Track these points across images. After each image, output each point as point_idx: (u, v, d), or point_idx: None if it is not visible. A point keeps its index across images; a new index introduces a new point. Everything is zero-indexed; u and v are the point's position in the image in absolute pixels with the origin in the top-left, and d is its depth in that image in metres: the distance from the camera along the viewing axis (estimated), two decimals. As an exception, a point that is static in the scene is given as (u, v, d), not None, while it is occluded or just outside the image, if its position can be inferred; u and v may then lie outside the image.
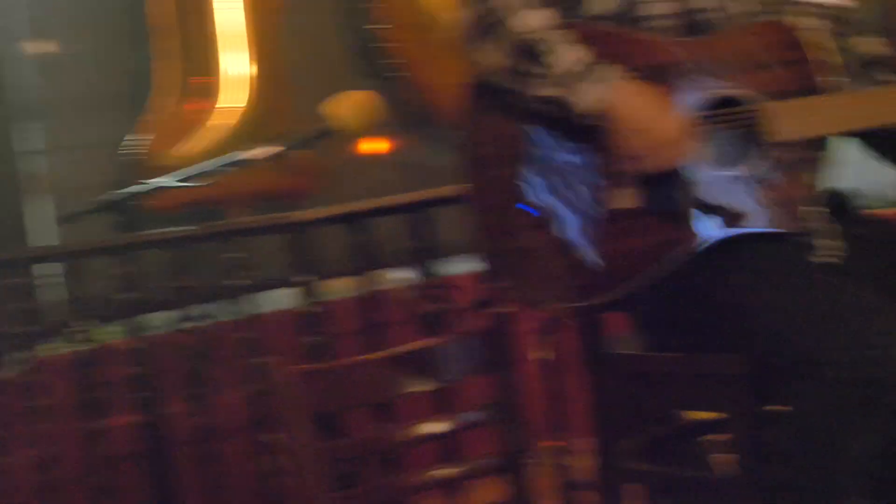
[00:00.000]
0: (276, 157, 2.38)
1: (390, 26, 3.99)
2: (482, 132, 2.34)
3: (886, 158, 2.51)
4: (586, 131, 2.26)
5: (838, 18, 2.43)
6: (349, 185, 4.03)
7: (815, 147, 2.36)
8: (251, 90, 3.80)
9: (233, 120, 3.86)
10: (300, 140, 2.33)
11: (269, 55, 3.79)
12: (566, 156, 2.30)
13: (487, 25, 2.28)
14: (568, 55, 2.24)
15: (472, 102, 2.35)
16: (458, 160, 2.34)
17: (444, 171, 4.12)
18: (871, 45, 2.49)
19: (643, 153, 2.21)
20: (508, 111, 2.32)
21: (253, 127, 3.82)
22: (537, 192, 2.29)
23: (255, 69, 3.78)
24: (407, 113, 3.50)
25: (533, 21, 2.27)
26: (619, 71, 2.23)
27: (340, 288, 3.00)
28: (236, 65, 3.95)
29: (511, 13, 2.27)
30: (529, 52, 2.25)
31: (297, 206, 3.74)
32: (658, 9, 2.34)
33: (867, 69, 2.47)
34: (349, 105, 2.37)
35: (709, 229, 2.24)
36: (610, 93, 2.20)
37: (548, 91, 2.24)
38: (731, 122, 2.26)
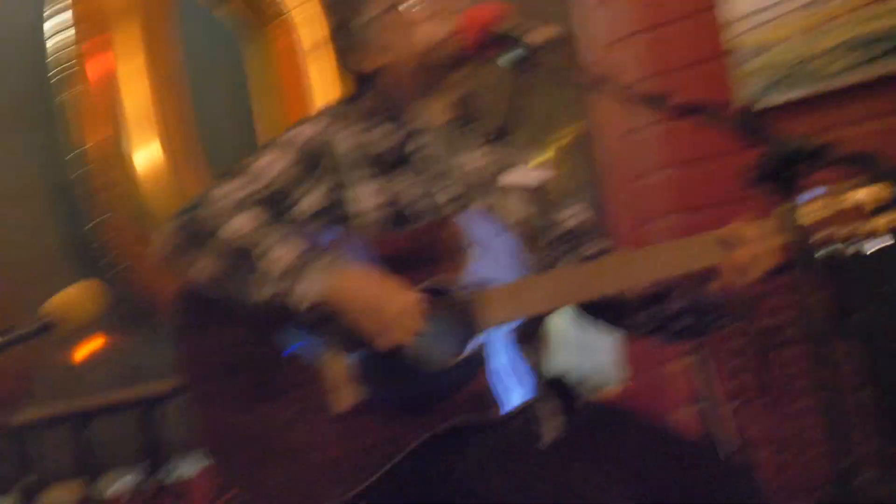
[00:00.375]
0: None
1: (109, 222, 3.91)
2: (203, 344, 2.34)
3: (600, 321, 2.63)
4: (317, 324, 2.29)
5: (541, 195, 2.56)
6: (61, 386, 3.89)
7: (532, 328, 2.44)
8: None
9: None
10: (16, 336, 2.22)
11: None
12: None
13: (196, 237, 2.28)
14: (282, 252, 2.25)
15: (183, 319, 2.36)
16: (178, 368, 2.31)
17: (164, 369, 4.07)
18: (577, 215, 2.63)
19: (384, 324, 2.22)
20: (230, 319, 2.32)
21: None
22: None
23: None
24: (127, 309, 3.40)
25: (243, 224, 2.29)
26: (333, 257, 2.26)
27: (61, 497, 2.86)
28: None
29: (221, 221, 2.28)
30: (245, 257, 2.25)
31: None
32: (365, 204, 2.40)
33: (576, 242, 2.60)
34: (73, 297, 2.29)
35: (442, 417, 2.26)
36: (330, 279, 2.23)
37: (269, 291, 2.24)
38: (443, 311, 2.31)
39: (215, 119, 4.42)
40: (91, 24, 3.90)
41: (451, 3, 2.44)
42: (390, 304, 2.24)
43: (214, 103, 4.45)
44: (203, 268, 2.26)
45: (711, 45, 4.31)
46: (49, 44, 3.95)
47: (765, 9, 4.16)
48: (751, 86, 4.21)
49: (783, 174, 1.88)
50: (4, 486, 2.82)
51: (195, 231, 2.28)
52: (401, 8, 2.46)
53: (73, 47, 3.89)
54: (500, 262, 2.35)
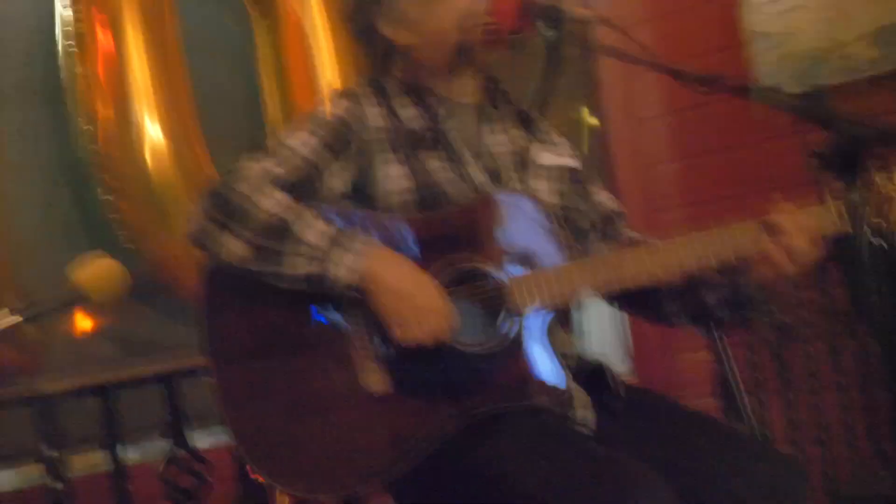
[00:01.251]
0: (11, 326, 2.21)
1: (121, 197, 3.87)
2: (227, 325, 2.28)
3: (638, 315, 2.59)
4: (349, 304, 2.25)
5: (570, 178, 2.52)
6: (69, 360, 3.86)
7: (564, 315, 2.41)
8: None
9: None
10: (48, 307, 2.19)
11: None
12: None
13: (230, 213, 2.23)
14: (318, 228, 2.22)
15: (212, 295, 2.30)
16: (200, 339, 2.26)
17: (171, 345, 4.04)
18: (609, 199, 2.60)
19: (407, 318, 2.19)
20: (255, 299, 2.27)
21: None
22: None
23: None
24: (137, 283, 3.37)
25: (278, 201, 2.24)
26: (369, 238, 2.22)
27: (86, 464, 2.82)
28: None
29: (256, 198, 2.23)
30: (279, 234, 2.21)
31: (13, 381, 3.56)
32: (394, 185, 2.37)
33: (608, 224, 2.56)
34: (96, 271, 2.25)
35: (475, 403, 2.23)
36: (365, 260, 2.19)
37: (303, 270, 2.20)
38: (477, 297, 2.27)
39: (223, 97, 4.38)
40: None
41: None
42: (421, 301, 2.20)
43: (223, 80, 4.40)
44: (235, 245, 2.22)
45: (732, 30, 4.28)
46: (59, 17, 3.90)
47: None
48: (773, 74, 4.18)
49: (848, 157, 1.84)
50: (30, 455, 2.79)
51: (229, 207, 2.23)
52: None
53: (79, 23, 3.85)
54: (535, 244, 2.32)
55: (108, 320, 3.98)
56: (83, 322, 3.94)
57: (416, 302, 2.20)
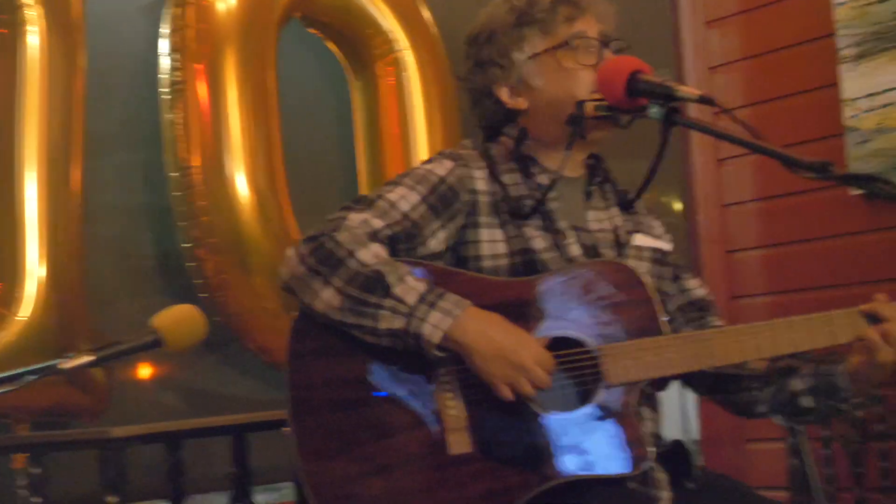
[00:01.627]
0: (86, 367, 2.19)
1: (205, 246, 3.88)
2: (312, 375, 2.26)
3: (720, 402, 2.54)
4: (436, 362, 2.22)
5: (662, 261, 2.48)
6: (133, 407, 3.85)
7: (653, 391, 2.37)
8: (38, 301, 3.57)
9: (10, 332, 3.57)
10: (127, 347, 2.16)
11: (64, 264, 3.60)
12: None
13: (328, 261, 2.21)
14: (409, 284, 2.19)
15: (300, 344, 2.27)
16: (286, 400, 2.23)
17: (236, 398, 4.03)
18: (703, 286, 2.55)
19: (503, 377, 2.17)
20: (342, 351, 2.25)
21: (34, 341, 3.56)
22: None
23: (45, 278, 3.57)
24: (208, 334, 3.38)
25: (377, 254, 2.23)
26: (460, 299, 2.19)
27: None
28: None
29: (355, 248, 2.21)
30: (371, 284, 2.19)
31: (77, 424, 3.55)
32: (491, 249, 2.33)
33: (697, 311, 2.52)
34: (181, 316, 2.22)
35: (560, 471, 2.20)
36: (452, 320, 2.16)
37: (398, 324, 2.18)
38: (569, 363, 2.25)
39: (315, 155, 4.40)
40: (198, 49, 3.89)
41: (611, 57, 2.37)
42: (522, 352, 2.18)
43: (316, 139, 4.43)
44: (327, 293, 2.20)
45: (830, 121, 4.24)
46: (161, 64, 3.95)
47: (886, 90, 4.08)
48: (868, 167, 4.12)
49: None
50: (94, 500, 2.77)
51: (327, 255, 2.21)
52: (564, 51, 2.39)
53: (179, 71, 3.89)
54: (634, 317, 2.27)
55: (175, 369, 3.99)
56: (150, 369, 3.94)
57: (522, 355, 2.17)
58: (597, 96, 2.34)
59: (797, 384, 2.39)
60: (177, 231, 3.91)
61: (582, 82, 2.36)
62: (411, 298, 2.18)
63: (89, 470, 2.52)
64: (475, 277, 2.31)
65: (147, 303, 3.86)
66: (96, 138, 3.82)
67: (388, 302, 2.17)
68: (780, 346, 2.27)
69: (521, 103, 2.43)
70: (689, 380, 2.53)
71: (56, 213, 3.52)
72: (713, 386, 2.50)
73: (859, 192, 4.08)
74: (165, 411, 3.91)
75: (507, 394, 2.18)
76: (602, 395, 2.23)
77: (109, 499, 2.38)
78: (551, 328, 2.25)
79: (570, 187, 2.44)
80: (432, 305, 2.17)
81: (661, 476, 2.30)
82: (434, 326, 2.16)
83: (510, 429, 2.22)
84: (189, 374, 4.05)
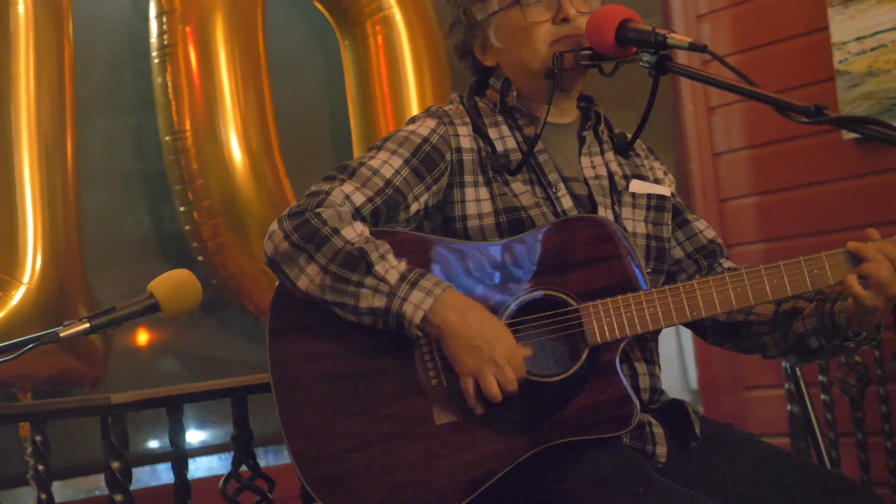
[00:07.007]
0: (85, 333, 2.20)
1: (200, 209, 3.88)
2: (292, 352, 2.26)
3: (731, 347, 2.54)
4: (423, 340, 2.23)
5: (662, 207, 2.48)
6: (131, 373, 3.86)
7: (645, 345, 2.37)
8: (36, 269, 3.58)
9: (11, 299, 3.59)
10: (125, 312, 2.17)
11: (61, 232, 3.60)
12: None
13: (312, 239, 2.21)
14: (390, 263, 2.19)
15: (279, 322, 2.27)
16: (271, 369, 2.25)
17: (236, 361, 4.04)
18: (707, 229, 2.55)
19: (473, 368, 2.17)
20: (322, 327, 2.25)
21: (36, 308, 3.57)
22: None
23: (43, 246, 3.57)
24: (205, 297, 3.40)
25: (360, 231, 2.23)
26: (440, 280, 2.19)
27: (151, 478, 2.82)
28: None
29: (339, 227, 2.21)
30: (354, 262, 2.19)
31: (77, 391, 3.56)
32: (475, 208, 2.34)
33: (705, 254, 2.51)
34: (178, 281, 2.23)
35: (549, 435, 2.20)
36: (432, 301, 2.16)
37: (371, 302, 2.18)
38: (551, 326, 2.25)
39: (307, 116, 4.39)
40: (185, 10, 3.87)
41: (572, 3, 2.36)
42: (496, 347, 2.17)
43: (307, 100, 4.41)
44: (312, 269, 2.20)
45: (822, 65, 4.23)
46: (150, 28, 3.92)
47: (876, 33, 4.07)
48: (860, 110, 4.12)
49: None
50: (96, 467, 2.79)
51: (313, 232, 2.21)
52: (516, 9, 2.38)
53: (167, 34, 3.87)
54: (618, 273, 2.27)
55: (174, 335, 3.99)
56: (148, 335, 3.95)
57: (494, 350, 2.16)
58: (543, 54, 2.34)
59: (802, 325, 2.38)
60: (171, 195, 3.90)
61: (539, 38, 2.36)
62: (392, 277, 2.17)
63: (92, 436, 2.54)
64: (454, 242, 2.30)
65: (143, 268, 3.87)
66: (85, 105, 3.81)
67: (369, 280, 2.17)
68: (764, 293, 2.26)
69: (490, 60, 2.45)
70: (697, 328, 2.53)
71: (52, 182, 3.52)
72: (722, 333, 2.50)
73: (852, 136, 4.08)
74: (165, 376, 3.93)
75: (468, 387, 2.18)
76: (587, 355, 2.23)
77: (113, 464, 2.39)
78: (532, 288, 2.25)
79: (562, 134, 2.44)
80: (413, 285, 2.17)
81: (658, 431, 2.30)
82: (416, 306, 2.16)
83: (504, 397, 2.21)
84: (188, 338, 4.05)
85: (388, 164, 2.31)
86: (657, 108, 2.38)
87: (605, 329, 2.23)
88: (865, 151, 4.14)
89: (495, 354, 2.16)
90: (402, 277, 2.17)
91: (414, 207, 2.32)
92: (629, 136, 2.50)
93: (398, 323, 2.17)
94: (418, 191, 2.31)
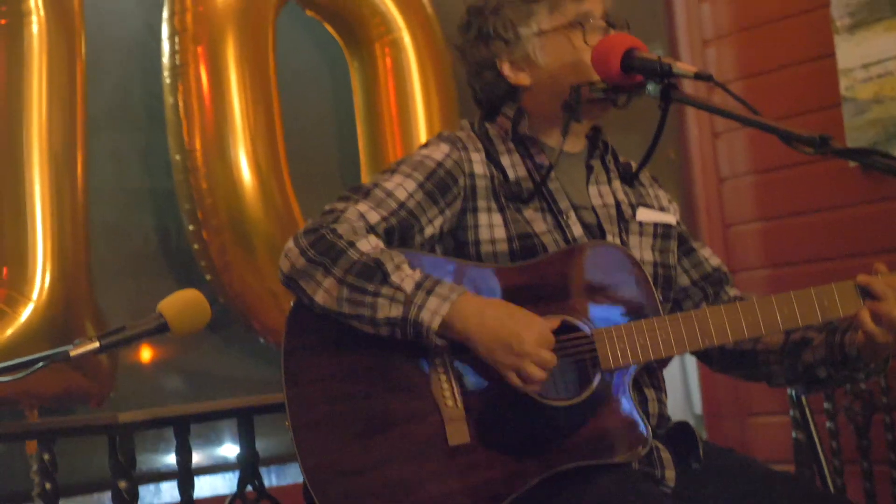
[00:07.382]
0: (95, 353, 2.21)
1: (208, 228, 3.89)
2: (307, 371, 2.27)
3: (736, 375, 2.55)
4: (434, 352, 2.23)
5: (669, 235, 2.49)
6: (139, 391, 3.87)
7: (655, 370, 2.38)
8: (42, 284, 3.59)
9: (19, 316, 3.61)
10: (134, 332, 2.19)
11: (69, 250, 3.61)
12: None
13: (328, 255, 2.22)
14: (410, 274, 2.20)
15: (295, 340, 2.28)
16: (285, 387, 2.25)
17: (243, 380, 4.05)
18: (712, 257, 2.56)
19: (509, 363, 2.17)
20: (337, 345, 2.26)
21: (43, 323, 3.59)
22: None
23: (51, 263, 3.59)
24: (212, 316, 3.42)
25: (374, 246, 2.24)
26: (456, 286, 2.20)
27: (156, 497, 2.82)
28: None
29: (355, 240, 2.22)
30: (370, 273, 2.19)
31: (83, 409, 3.57)
32: (488, 233, 2.35)
33: (710, 282, 2.52)
34: (187, 301, 2.25)
35: (560, 458, 2.21)
36: (450, 305, 2.17)
37: (388, 312, 2.18)
38: (564, 350, 2.26)
39: (316, 137, 4.40)
40: (197, 31, 3.90)
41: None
42: (523, 336, 2.17)
43: (316, 121, 4.43)
44: (329, 283, 2.20)
45: (828, 92, 4.24)
46: (163, 49, 3.95)
47: (882, 60, 4.09)
48: (859, 140, 4.13)
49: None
50: (101, 484, 2.79)
51: (329, 246, 2.22)
52: (573, 30, 2.39)
53: (179, 54, 3.90)
54: (625, 298, 2.29)
55: (179, 352, 4.00)
56: (153, 352, 3.95)
57: (527, 338, 2.16)
58: (594, 79, 2.34)
59: (811, 356, 2.40)
60: (179, 213, 3.92)
61: (586, 62, 2.36)
62: (408, 286, 2.18)
63: (97, 454, 2.55)
64: (467, 265, 2.31)
65: (150, 285, 3.88)
66: (95, 123, 3.83)
67: (385, 290, 2.18)
68: (776, 323, 2.27)
69: (523, 79, 2.43)
70: (702, 355, 2.54)
71: (61, 199, 3.53)
72: (728, 361, 2.52)
73: (857, 163, 4.09)
74: (170, 394, 3.93)
75: (515, 381, 2.18)
76: (599, 380, 2.24)
77: (120, 483, 2.40)
78: (546, 312, 2.26)
79: (571, 163, 2.45)
80: (429, 292, 2.18)
81: (667, 456, 2.31)
82: (433, 313, 2.17)
83: (509, 417, 2.23)
84: (193, 355, 4.06)
85: (401, 187, 2.32)
86: (663, 133, 2.39)
87: (619, 354, 2.24)
88: (871, 178, 4.15)
89: (525, 346, 2.16)
90: (418, 285, 2.18)
91: (428, 231, 2.33)
92: (633, 164, 2.51)
93: (416, 331, 2.18)
94: (432, 214, 2.33)
